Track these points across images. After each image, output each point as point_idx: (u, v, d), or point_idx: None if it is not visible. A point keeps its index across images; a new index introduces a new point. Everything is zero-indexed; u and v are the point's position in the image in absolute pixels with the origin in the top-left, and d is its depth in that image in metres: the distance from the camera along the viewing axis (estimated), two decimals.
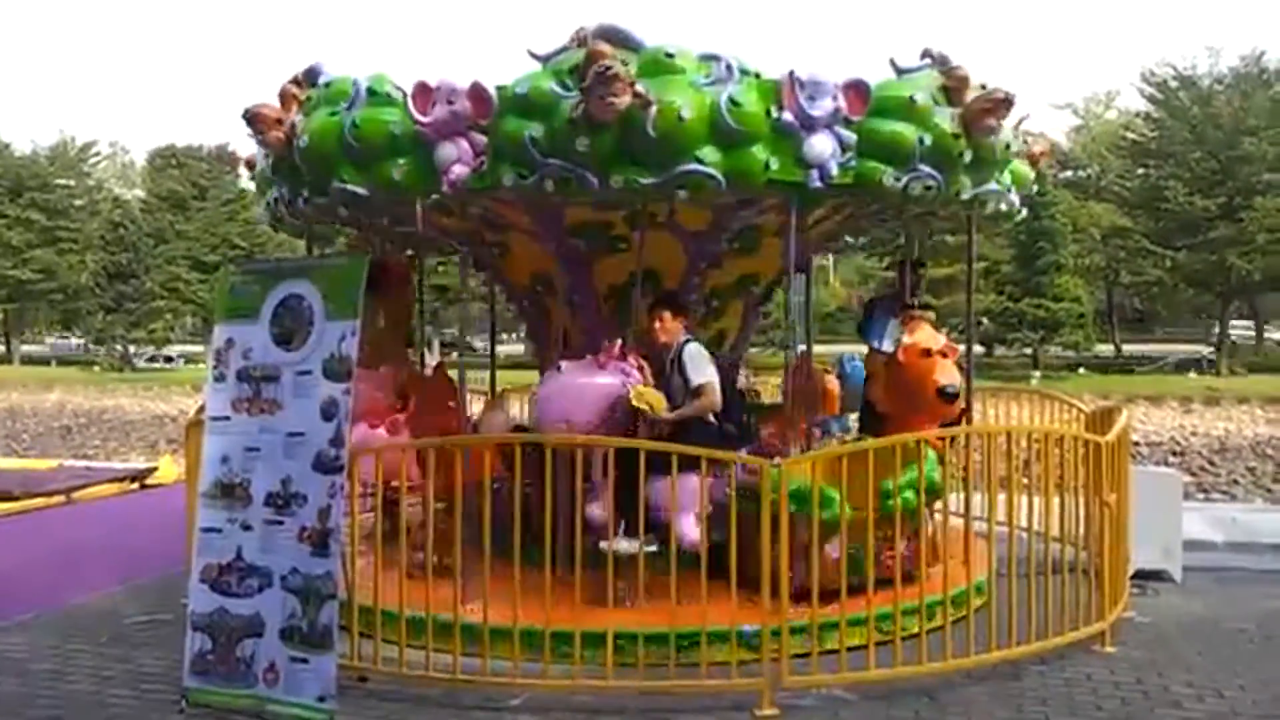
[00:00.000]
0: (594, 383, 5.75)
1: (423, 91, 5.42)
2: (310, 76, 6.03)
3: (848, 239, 8.55)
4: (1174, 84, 46.09)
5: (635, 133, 5.09)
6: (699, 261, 6.56)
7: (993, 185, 6.08)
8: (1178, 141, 44.49)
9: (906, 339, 6.44)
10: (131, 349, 52.40)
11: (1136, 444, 9.92)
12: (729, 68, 5.26)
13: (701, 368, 5.86)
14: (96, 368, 51.20)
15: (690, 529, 5.34)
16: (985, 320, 42.15)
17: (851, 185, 5.47)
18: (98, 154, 64.86)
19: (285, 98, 6.03)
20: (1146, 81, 47.03)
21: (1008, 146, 6.03)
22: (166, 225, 56.95)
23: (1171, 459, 20.24)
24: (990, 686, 5.16)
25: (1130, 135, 49.77)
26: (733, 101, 5.14)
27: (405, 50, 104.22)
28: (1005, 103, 5.63)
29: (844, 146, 5.35)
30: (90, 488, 10.73)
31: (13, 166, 57.55)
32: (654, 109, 5.04)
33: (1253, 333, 49.45)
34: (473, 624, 5.01)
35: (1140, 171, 47.98)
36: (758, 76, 5.35)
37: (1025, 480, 5.63)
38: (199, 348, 51.27)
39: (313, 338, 4.94)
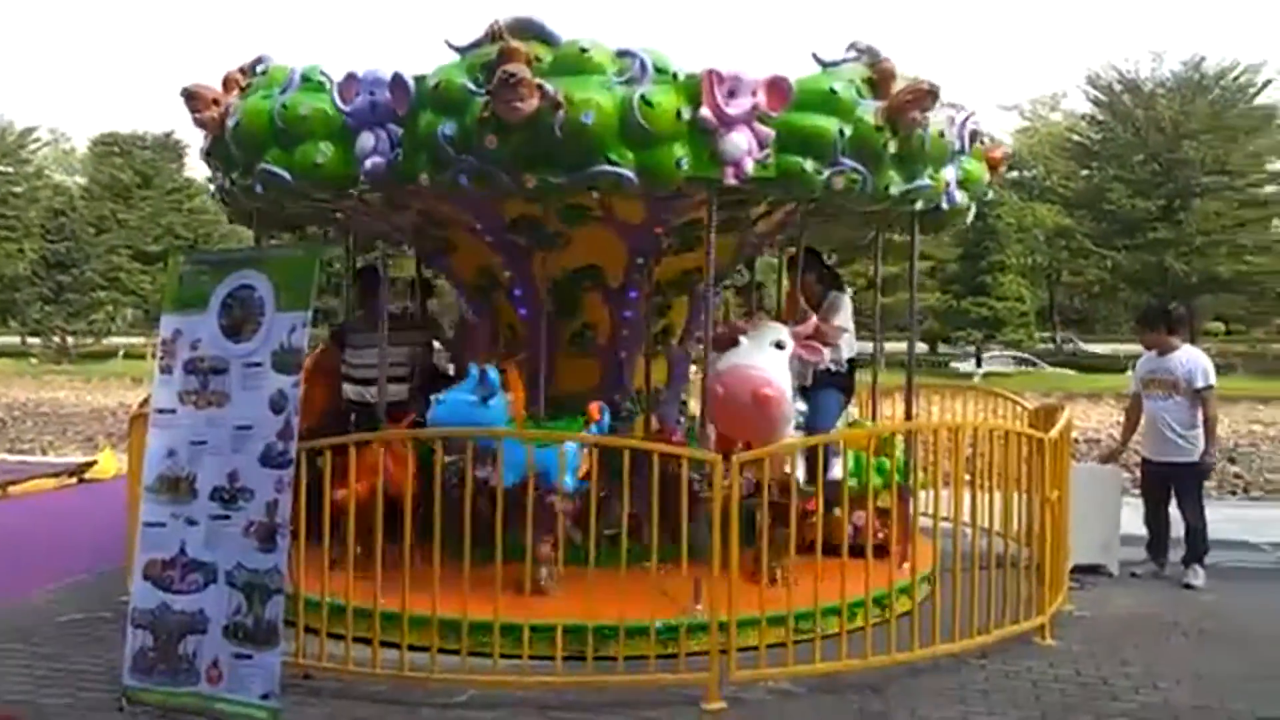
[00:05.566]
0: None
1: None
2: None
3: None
4: (1118, 87, 46.96)
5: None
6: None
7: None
8: (1120, 144, 45.39)
9: None
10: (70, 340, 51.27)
11: (1076, 441, 10.08)
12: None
13: None
14: (33, 360, 50.01)
15: None
16: (929, 318, 42.73)
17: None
18: (38, 140, 63.47)
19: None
20: (1092, 84, 47.92)
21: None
22: (108, 214, 55.78)
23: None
24: (933, 679, 5.23)
25: (1075, 137, 50.67)
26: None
27: (359, 42, 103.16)
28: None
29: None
30: (26, 482, 10.53)
31: None
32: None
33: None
34: (422, 616, 4.96)
35: (1084, 173, 48.87)
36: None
37: (968, 476, 5.69)
38: (139, 339, 50.23)
39: (262, 329, 4.85)
